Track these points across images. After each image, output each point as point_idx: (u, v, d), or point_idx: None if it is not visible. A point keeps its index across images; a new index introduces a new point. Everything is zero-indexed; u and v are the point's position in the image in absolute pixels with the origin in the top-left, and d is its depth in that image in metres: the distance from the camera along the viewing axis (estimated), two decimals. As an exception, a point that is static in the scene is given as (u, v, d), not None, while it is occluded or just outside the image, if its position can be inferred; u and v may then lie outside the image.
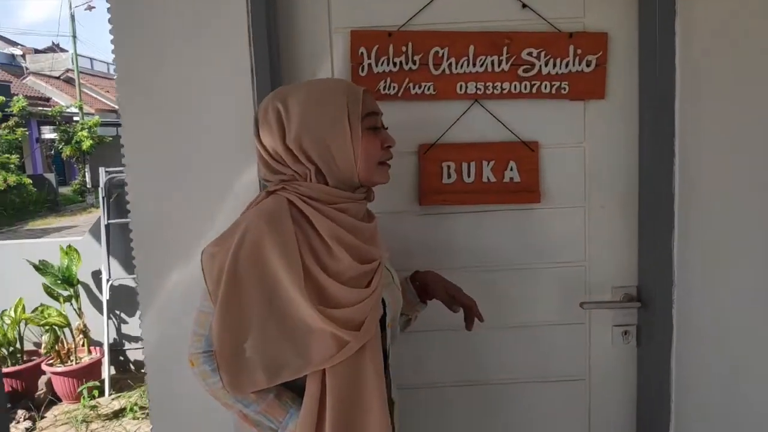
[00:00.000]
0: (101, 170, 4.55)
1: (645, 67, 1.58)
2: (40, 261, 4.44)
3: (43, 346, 4.42)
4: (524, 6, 1.57)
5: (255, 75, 1.49)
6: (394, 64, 1.58)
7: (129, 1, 1.48)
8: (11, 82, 18.01)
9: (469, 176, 1.63)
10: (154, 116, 1.51)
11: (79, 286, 4.49)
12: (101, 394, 4.23)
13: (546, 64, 1.59)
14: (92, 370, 4.34)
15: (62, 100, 20.46)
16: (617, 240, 1.67)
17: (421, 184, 1.62)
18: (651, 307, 1.63)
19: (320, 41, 1.59)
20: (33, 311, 4.42)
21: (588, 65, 1.59)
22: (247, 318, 1.09)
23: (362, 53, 1.57)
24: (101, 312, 4.48)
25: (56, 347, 4.33)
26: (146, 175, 1.53)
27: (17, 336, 4.38)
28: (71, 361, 4.34)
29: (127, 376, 4.69)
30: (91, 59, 27.23)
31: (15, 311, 4.35)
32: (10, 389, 4.31)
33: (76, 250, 4.47)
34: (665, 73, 1.53)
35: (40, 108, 16.91)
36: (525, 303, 1.70)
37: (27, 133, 15.60)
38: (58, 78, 23.67)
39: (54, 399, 4.33)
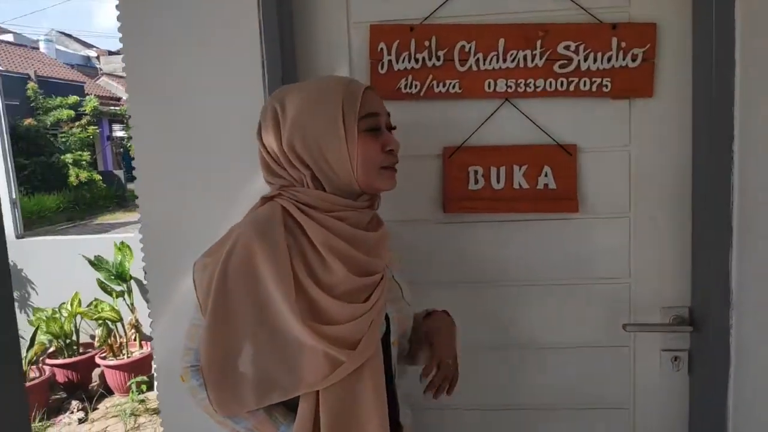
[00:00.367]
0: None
1: (699, 62, 1.40)
2: (95, 257, 4.56)
3: (96, 339, 4.53)
4: (561, -6, 1.42)
5: (266, 73, 1.40)
6: (416, 60, 1.46)
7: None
8: (85, 83, 18.81)
9: (498, 182, 1.49)
10: (162, 118, 1.45)
11: (132, 281, 4.57)
12: (150, 388, 4.29)
13: (585, 59, 1.43)
14: (143, 365, 4.42)
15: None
16: (667, 255, 1.49)
17: (446, 190, 1.50)
18: (705, 332, 1.45)
19: (338, 37, 1.48)
20: (88, 305, 4.55)
21: (633, 60, 1.42)
22: (236, 333, 1.02)
23: (382, 49, 1.46)
24: (152, 308, 4.54)
25: (109, 341, 4.43)
26: (156, 181, 1.48)
27: (73, 329, 4.51)
28: (123, 354, 4.43)
29: (177, 371, 4.74)
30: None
31: (71, 305, 4.49)
32: (66, 380, 4.45)
33: (128, 247, 4.56)
34: (723, 68, 1.34)
35: (112, 107, 17.63)
36: (561, 322, 1.54)
37: (98, 131, 16.27)
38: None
39: (104, 392, 4.43)
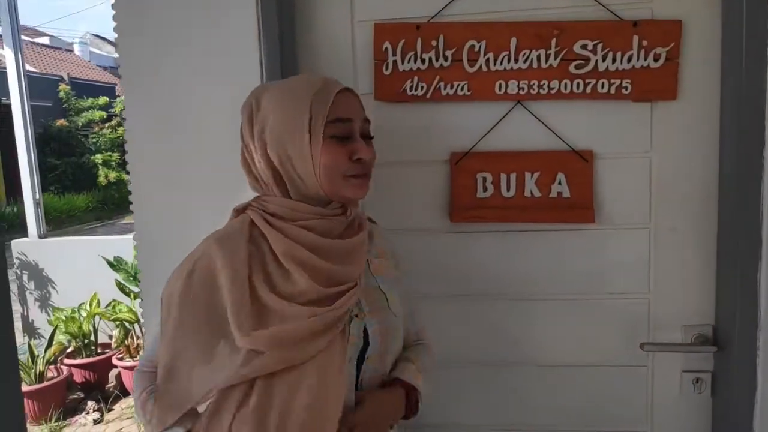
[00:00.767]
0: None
1: (728, 62, 1.30)
2: (114, 257, 4.57)
3: (113, 340, 4.54)
4: (578, -10, 1.33)
5: (264, 74, 1.35)
6: (423, 60, 1.38)
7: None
8: (116, 84, 19.11)
9: (508, 190, 1.40)
10: (157, 120, 1.40)
11: (150, 283, 4.56)
12: (165, 391, 4.26)
13: (604, 59, 1.34)
14: (159, 367, 4.39)
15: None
16: (690, 269, 1.39)
17: (453, 198, 1.42)
18: (730, 352, 1.34)
19: (341, 35, 1.42)
20: (106, 306, 4.56)
21: (656, 60, 1.32)
22: (184, 341, 1.02)
23: (387, 49, 1.38)
24: (170, 309, 4.54)
25: (126, 342, 4.42)
26: (151, 185, 1.43)
27: (92, 329, 4.52)
28: (139, 356, 4.42)
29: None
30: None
31: (90, 305, 4.51)
32: (84, 380, 4.46)
33: (147, 248, 4.55)
34: (753, 69, 1.24)
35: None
36: (574, 340, 1.45)
37: (128, 131, 16.46)
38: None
39: (120, 393, 4.43)
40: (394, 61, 1.39)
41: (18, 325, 5.21)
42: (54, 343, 4.29)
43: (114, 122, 14.82)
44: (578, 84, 1.35)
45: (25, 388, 3.98)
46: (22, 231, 5.26)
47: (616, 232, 1.40)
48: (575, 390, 1.47)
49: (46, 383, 4.06)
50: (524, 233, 1.42)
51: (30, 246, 4.99)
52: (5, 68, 4.95)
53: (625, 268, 1.41)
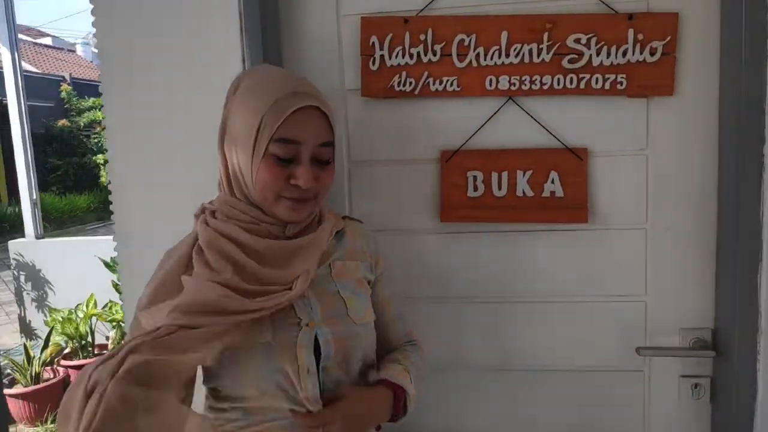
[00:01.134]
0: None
1: (727, 56, 1.26)
2: (111, 258, 4.53)
3: (110, 341, 4.50)
4: (571, -18, 1.29)
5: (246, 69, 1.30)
6: (411, 55, 1.34)
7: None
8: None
9: (500, 189, 1.36)
10: (137, 123, 1.36)
11: (146, 284, 4.53)
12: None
13: (598, 53, 1.29)
14: (156, 368, 4.36)
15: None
16: (688, 271, 1.35)
17: (443, 198, 1.37)
18: (729, 357, 1.30)
19: (327, 30, 1.37)
20: (103, 307, 4.53)
21: (652, 54, 1.28)
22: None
23: (374, 43, 1.34)
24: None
25: (122, 343, 4.38)
26: (132, 191, 1.39)
27: (89, 330, 4.49)
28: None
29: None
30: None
31: (86, 306, 4.47)
32: (81, 382, 4.42)
33: (144, 249, 4.52)
34: (753, 63, 1.20)
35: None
36: (568, 344, 1.40)
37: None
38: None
39: (117, 395, 4.39)
40: (382, 56, 1.34)
41: (15, 326, 5.19)
42: (50, 344, 4.25)
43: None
44: (572, 79, 1.31)
45: (20, 389, 3.96)
46: (21, 231, 5.24)
47: (612, 233, 1.36)
48: (569, 395, 1.42)
49: (42, 384, 4.03)
50: (516, 233, 1.38)
51: (27, 246, 4.97)
52: (2, 68, 4.92)
53: (620, 270, 1.37)
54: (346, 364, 1.04)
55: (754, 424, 1.27)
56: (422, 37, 1.33)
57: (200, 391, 1.02)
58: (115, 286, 4.43)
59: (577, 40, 1.29)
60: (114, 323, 4.39)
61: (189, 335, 0.89)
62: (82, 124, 14.35)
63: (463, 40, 1.32)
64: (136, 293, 1.03)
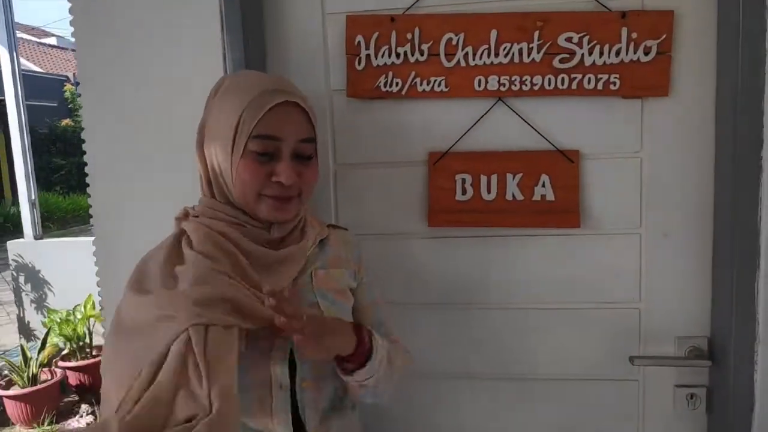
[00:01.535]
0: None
1: (724, 55, 1.21)
2: (109, 259, 4.51)
3: (108, 343, 4.48)
4: (562, -21, 1.25)
5: (227, 70, 1.27)
6: (398, 55, 1.30)
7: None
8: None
9: (489, 192, 1.32)
10: (116, 123, 1.33)
11: (145, 285, 4.51)
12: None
13: (590, 53, 1.25)
14: (154, 369, 4.33)
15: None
16: (683, 277, 1.30)
17: (431, 201, 1.34)
18: (725, 366, 1.25)
19: (312, 29, 1.34)
20: (102, 308, 4.50)
21: (647, 53, 1.23)
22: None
23: (359, 42, 1.30)
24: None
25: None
26: (111, 195, 1.37)
27: (87, 331, 4.47)
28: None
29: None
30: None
31: (84, 307, 4.46)
32: (78, 383, 4.41)
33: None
34: (751, 63, 1.15)
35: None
36: (559, 352, 1.36)
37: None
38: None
39: (114, 397, 4.38)
40: (368, 56, 1.31)
41: (14, 327, 5.18)
42: (48, 345, 4.23)
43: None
44: (563, 79, 1.27)
45: (17, 391, 3.94)
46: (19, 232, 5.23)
47: (605, 238, 1.32)
48: (560, 405, 1.38)
49: (39, 386, 4.01)
50: (506, 238, 1.34)
51: (26, 247, 4.95)
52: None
53: (613, 276, 1.32)
54: (317, 388, 1.01)
55: (751, 437, 1.23)
56: (409, 36, 1.29)
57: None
58: (113, 287, 4.41)
59: (569, 39, 1.25)
60: (112, 324, 4.37)
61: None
62: (85, 123, 14.43)
63: (451, 39, 1.28)
64: (115, 298, 1.00)
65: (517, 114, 1.30)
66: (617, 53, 1.24)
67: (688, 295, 1.30)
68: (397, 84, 1.31)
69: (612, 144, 1.29)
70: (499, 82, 1.28)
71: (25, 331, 4.96)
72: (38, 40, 19.46)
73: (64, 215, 11.73)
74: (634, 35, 1.24)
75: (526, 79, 1.28)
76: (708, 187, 1.27)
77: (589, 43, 1.25)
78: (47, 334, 4.27)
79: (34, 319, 4.94)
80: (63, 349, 4.47)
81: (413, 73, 1.30)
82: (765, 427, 1.22)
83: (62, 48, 20.09)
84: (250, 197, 0.96)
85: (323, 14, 1.33)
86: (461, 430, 1.42)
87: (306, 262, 1.04)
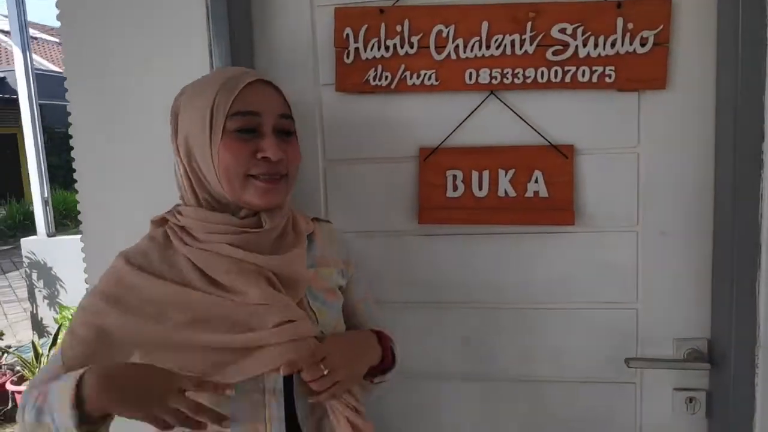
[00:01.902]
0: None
1: (724, 46, 1.17)
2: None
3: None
4: (555, -32, 1.21)
5: (214, 66, 1.25)
6: (387, 48, 1.27)
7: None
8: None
9: (480, 189, 1.28)
10: (103, 119, 1.32)
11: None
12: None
13: (584, 44, 1.21)
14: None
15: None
16: (682, 277, 1.26)
17: (421, 198, 1.30)
18: (725, 369, 1.21)
19: (301, 21, 1.31)
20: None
21: (643, 44, 1.19)
22: None
23: (348, 35, 1.28)
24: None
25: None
26: (99, 192, 1.36)
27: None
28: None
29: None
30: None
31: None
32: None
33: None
34: (752, 54, 1.11)
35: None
36: (553, 353, 1.33)
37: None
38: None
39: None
40: (356, 49, 1.28)
41: (28, 323, 5.24)
42: (59, 341, 4.26)
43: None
44: (557, 72, 1.23)
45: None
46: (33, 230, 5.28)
47: (600, 236, 1.28)
48: (555, 408, 1.34)
49: (49, 382, 4.04)
50: (498, 236, 1.30)
51: (39, 244, 5.00)
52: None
53: (609, 275, 1.28)
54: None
55: (752, 442, 1.19)
56: (398, 28, 1.26)
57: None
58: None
59: (563, 30, 1.21)
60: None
61: None
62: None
63: (441, 31, 1.25)
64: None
65: (509, 108, 1.26)
66: (612, 44, 1.20)
67: (687, 296, 1.26)
68: (386, 78, 1.28)
69: (607, 139, 1.25)
70: (490, 75, 1.25)
71: (38, 327, 5.02)
72: (59, 40, 19.71)
73: (77, 212, 11.82)
74: (630, 26, 1.19)
75: (518, 72, 1.24)
76: (707, 184, 1.23)
77: (583, 35, 1.21)
78: (58, 330, 4.30)
79: (47, 315, 4.98)
80: (74, 346, 4.50)
81: (403, 67, 1.27)
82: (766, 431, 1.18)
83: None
84: (236, 181, 0.91)
85: (312, 6, 1.30)
86: (452, 431, 1.39)
87: None
